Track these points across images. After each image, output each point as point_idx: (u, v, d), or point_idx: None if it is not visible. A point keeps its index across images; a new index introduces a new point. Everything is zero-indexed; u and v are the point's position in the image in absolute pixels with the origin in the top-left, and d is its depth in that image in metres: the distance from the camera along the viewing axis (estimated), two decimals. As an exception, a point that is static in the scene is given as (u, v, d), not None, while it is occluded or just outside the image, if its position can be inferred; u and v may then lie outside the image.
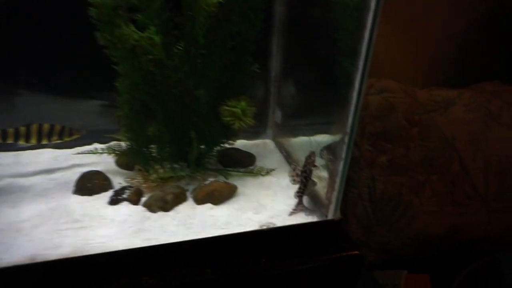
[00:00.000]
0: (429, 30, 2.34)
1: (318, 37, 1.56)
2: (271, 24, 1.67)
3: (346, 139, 1.13)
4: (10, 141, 1.39)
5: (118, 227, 1.20)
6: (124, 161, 1.51)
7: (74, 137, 1.48)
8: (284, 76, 1.75)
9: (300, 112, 1.80)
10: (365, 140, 2.14)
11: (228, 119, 1.25)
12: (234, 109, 1.23)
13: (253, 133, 1.89)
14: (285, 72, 1.75)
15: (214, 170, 1.53)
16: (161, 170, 1.46)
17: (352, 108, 1.08)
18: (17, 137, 1.39)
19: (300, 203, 1.34)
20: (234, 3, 1.31)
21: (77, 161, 1.55)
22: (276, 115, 1.84)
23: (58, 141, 1.45)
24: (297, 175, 1.36)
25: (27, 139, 1.40)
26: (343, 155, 1.16)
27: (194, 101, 1.30)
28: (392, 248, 2.07)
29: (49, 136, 1.43)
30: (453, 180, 2.09)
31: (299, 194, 1.35)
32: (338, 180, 1.20)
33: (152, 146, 1.46)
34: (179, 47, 1.27)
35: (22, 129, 1.39)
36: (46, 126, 1.42)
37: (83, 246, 1.10)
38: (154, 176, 1.44)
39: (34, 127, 1.40)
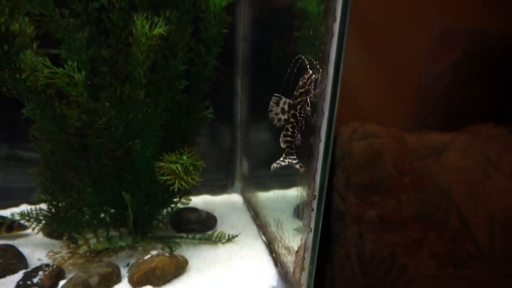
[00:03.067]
0: (414, 70, 2.19)
1: (286, 75, 1.33)
2: (234, 62, 1.44)
3: (315, 204, 0.86)
4: None
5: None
6: (46, 230, 1.21)
7: (14, 233, 1.25)
8: (251, 120, 1.51)
9: (271, 161, 1.55)
10: (350, 192, 1.87)
11: (165, 177, 0.98)
12: (173, 166, 0.95)
13: (218, 187, 1.61)
14: (252, 116, 1.51)
15: (160, 238, 1.23)
16: (93, 240, 1.16)
17: (319, 165, 0.82)
18: None
19: (289, 153, 0.93)
20: (180, 36, 1.09)
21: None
22: (243, 166, 1.57)
23: None
24: (282, 111, 0.91)
25: None
26: (312, 224, 0.88)
27: (128, 154, 1.03)
28: (388, 322, 1.74)
29: None
30: (452, 237, 1.81)
31: (288, 140, 0.91)
32: (308, 256, 0.91)
33: (82, 207, 1.17)
34: (110, 88, 1.02)
35: None
36: None
37: None
38: (83, 248, 1.14)
39: None
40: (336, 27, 0.72)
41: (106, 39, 1.09)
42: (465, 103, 2.29)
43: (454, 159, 1.93)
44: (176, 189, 0.99)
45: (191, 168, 0.99)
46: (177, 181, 0.98)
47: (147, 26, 1.00)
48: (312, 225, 0.88)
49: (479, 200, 1.84)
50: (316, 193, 0.85)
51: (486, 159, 1.98)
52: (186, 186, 0.99)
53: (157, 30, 1.02)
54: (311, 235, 0.90)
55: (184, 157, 0.99)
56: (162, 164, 0.99)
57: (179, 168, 0.97)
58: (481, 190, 1.86)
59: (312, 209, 0.87)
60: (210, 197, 1.57)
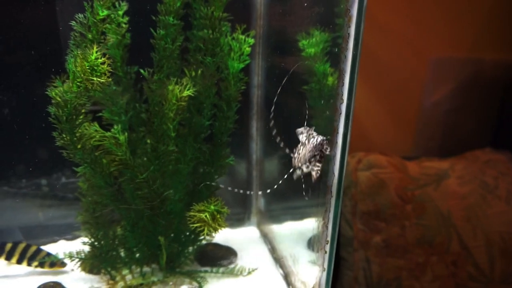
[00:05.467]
0: (414, 97, 2.33)
1: (296, 122, 1.49)
2: (250, 108, 1.61)
3: (328, 248, 1.00)
4: None
5: None
6: (88, 267, 1.35)
7: (55, 268, 1.38)
8: (266, 159, 1.66)
9: (285, 196, 1.69)
10: (357, 218, 2.01)
11: (195, 225, 1.12)
12: (202, 215, 1.10)
13: (236, 220, 1.76)
14: (266, 155, 1.66)
15: (188, 273, 1.37)
16: (129, 276, 1.30)
17: (331, 216, 0.96)
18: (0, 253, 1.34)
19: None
20: (205, 96, 1.25)
21: (36, 270, 1.39)
22: (259, 201, 1.72)
23: (37, 268, 1.37)
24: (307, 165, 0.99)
25: (8, 257, 1.34)
26: (325, 265, 1.02)
27: (162, 202, 1.18)
28: None
29: (31, 260, 1.35)
30: (454, 260, 1.93)
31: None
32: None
33: (119, 248, 1.32)
34: (146, 145, 1.18)
35: (8, 245, 1.34)
36: (32, 249, 1.35)
37: None
38: (121, 284, 1.28)
39: (21, 247, 1.35)
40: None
41: (141, 100, 1.26)
42: (462, 129, 2.42)
43: (453, 186, 2.07)
44: (205, 235, 1.13)
45: (218, 216, 1.13)
46: (205, 228, 1.12)
47: (177, 90, 1.16)
48: (326, 266, 1.03)
49: (478, 224, 1.97)
50: (329, 238, 1.00)
51: (484, 185, 2.11)
52: (214, 232, 1.14)
53: (186, 92, 1.18)
54: (324, 273, 1.04)
55: (212, 207, 1.14)
56: (192, 213, 1.14)
57: (207, 216, 1.12)
58: (480, 214, 1.99)
59: (326, 252, 1.01)
60: (230, 230, 1.71)
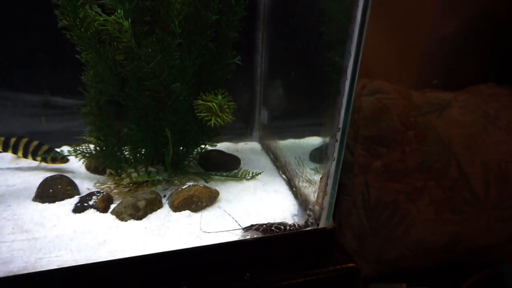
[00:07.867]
0: (420, 32, 2.28)
1: (305, 31, 1.44)
2: (255, 16, 1.54)
3: (339, 136, 1.00)
4: None
5: (80, 238, 1.05)
6: (93, 165, 1.35)
7: (57, 164, 1.41)
8: (271, 73, 1.63)
9: (288, 112, 1.68)
10: (358, 144, 2.02)
11: (203, 114, 1.11)
12: (210, 104, 1.09)
13: (238, 135, 1.76)
14: (271, 69, 1.62)
15: (194, 173, 1.38)
16: (134, 174, 1.31)
17: (345, 100, 0.95)
18: (6, 147, 1.37)
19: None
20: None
21: (41, 165, 1.40)
22: (262, 116, 1.71)
23: (40, 162, 1.41)
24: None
25: (14, 151, 1.38)
26: (335, 154, 1.02)
27: (169, 96, 1.16)
28: (389, 260, 1.93)
29: (34, 154, 1.39)
30: (451, 186, 1.97)
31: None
32: (330, 182, 1.06)
33: (125, 147, 1.31)
34: (153, 36, 1.14)
35: (12, 140, 1.37)
36: (34, 143, 1.39)
37: (36, 262, 0.95)
38: (126, 180, 1.29)
39: (23, 141, 1.38)
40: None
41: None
42: (467, 65, 2.39)
43: (455, 115, 2.07)
44: (212, 125, 1.12)
45: (225, 106, 1.12)
46: (213, 118, 1.11)
47: (184, -21, 1.10)
48: (335, 155, 1.03)
49: (477, 152, 1.99)
50: (340, 125, 0.99)
51: (485, 115, 2.11)
52: (221, 122, 1.13)
53: (193, -18, 1.12)
54: (333, 163, 1.04)
55: (219, 97, 1.12)
56: (200, 102, 1.12)
57: (215, 106, 1.10)
58: (479, 143, 2.01)
59: (337, 140, 1.01)
60: (231, 144, 1.72)
